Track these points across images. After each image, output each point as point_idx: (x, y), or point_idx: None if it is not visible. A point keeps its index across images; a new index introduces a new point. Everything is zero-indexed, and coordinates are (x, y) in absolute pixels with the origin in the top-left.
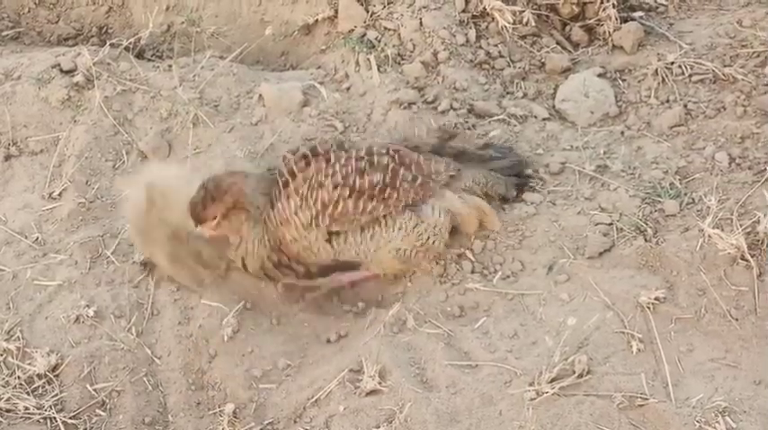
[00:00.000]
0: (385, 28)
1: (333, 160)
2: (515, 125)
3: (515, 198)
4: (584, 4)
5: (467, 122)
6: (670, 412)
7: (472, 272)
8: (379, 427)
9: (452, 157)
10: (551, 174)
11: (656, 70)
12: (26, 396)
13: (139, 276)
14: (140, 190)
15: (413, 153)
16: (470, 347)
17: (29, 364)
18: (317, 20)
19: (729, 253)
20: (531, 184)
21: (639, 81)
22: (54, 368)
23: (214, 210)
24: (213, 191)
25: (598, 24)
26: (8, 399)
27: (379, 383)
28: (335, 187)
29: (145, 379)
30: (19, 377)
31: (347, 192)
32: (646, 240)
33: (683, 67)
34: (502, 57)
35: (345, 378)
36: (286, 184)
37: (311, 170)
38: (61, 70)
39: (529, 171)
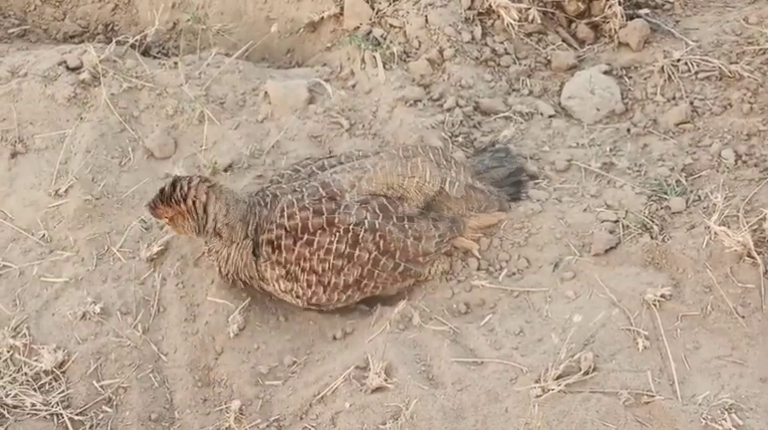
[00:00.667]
0: (390, 25)
1: (315, 247)
2: (521, 122)
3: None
4: (590, 1)
5: (472, 120)
6: (676, 409)
7: (478, 269)
8: (385, 424)
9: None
10: (557, 171)
11: (663, 67)
12: (33, 392)
13: (146, 273)
14: None
15: (401, 234)
16: (476, 344)
17: (35, 361)
18: (322, 17)
19: (736, 250)
20: (525, 193)
21: (645, 78)
22: (61, 364)
23: (162, 212)
24: (168, 194)
25: (604, 21)
26: (15, 396)
27: (385, 380)
28: (309, 286)
29: (151, 375)
30: (26, 373)
31: (321, 290)
32: (652, 237)
33: (690, 65)
34: (508, 54)
35: (351, 375)
36: (274, 251)
37: (294, 254)
38: (67, 68)
39: (526, 176)
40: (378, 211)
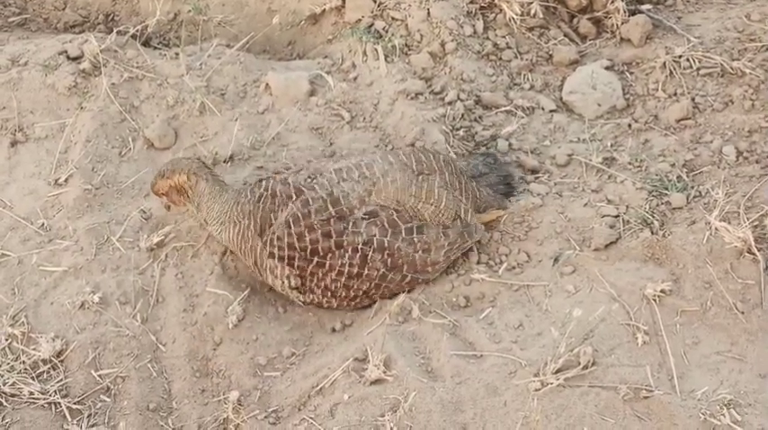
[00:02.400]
0: (392, 18)
1: (327, 268)
2: (522, 117)
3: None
4: None
5: (473, 113)
6: (675, 404)
7: (478, 262)
8: (383, 416)
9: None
10: (558, 165)
11: (664, 63)
12: (31, 381)
13: (145, 263)
14: None
15: (410, 248)
16: (475, 337)
17: (34, 350)
18: (324, 9)
19: (736, 246)
20: (518, 191)
21: (647, 74)
22: (59, 353)
23: (158, 187)
24: (164, 170)
25: (606, 17)
26: (13, 384)
27: (384, 372)
28: (324, 296)
29: (149, 365)
30: (24, 362)
31: (334, 300)
32: (652, 233)
33: (691, 61)
34: (509, 48)
35: (350, 367)
36: (285, 266)
37: (307, 271)
38: (68, 57)
39: (517, 179)
40: (387, 226)
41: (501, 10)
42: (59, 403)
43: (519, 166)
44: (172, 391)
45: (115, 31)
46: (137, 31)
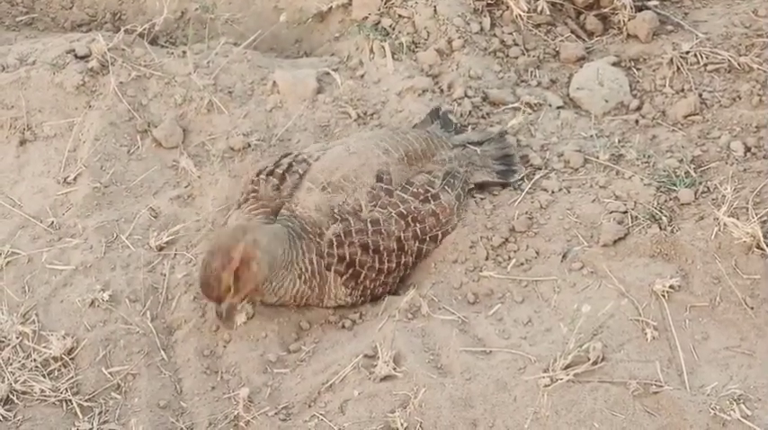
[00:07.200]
0: (399, 15)
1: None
2: (530, 113)
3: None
4: None
5: (481, 110)
6: (684, 399)
7: (486, 259)
8: (393, 412)
9: None
10: (566, 162)
11: (671, 59)
12: (42, 378)
13: (154, 261)
14: None
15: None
16: (484, 334)
17: (44, 347)
18: (330, 7)
19: (745, 241)
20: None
21: (654, 70)
22: (69, 351)
23: (227, 279)
24: (220, 260)
25: (613, 13)
26: (24, 382)
27: (394, 369)
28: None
29: (159, 363)
30: (35, 360)
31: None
32: (660, 228)
33: (699, 57)
34: (516, 45)
35: (360, 363)
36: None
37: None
38: (76, 56)
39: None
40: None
41: (508, 7)
42: (70, 400)
43: (527, 163)
44: (182, 389)
45: (122, 29)
46: (144, 29)
